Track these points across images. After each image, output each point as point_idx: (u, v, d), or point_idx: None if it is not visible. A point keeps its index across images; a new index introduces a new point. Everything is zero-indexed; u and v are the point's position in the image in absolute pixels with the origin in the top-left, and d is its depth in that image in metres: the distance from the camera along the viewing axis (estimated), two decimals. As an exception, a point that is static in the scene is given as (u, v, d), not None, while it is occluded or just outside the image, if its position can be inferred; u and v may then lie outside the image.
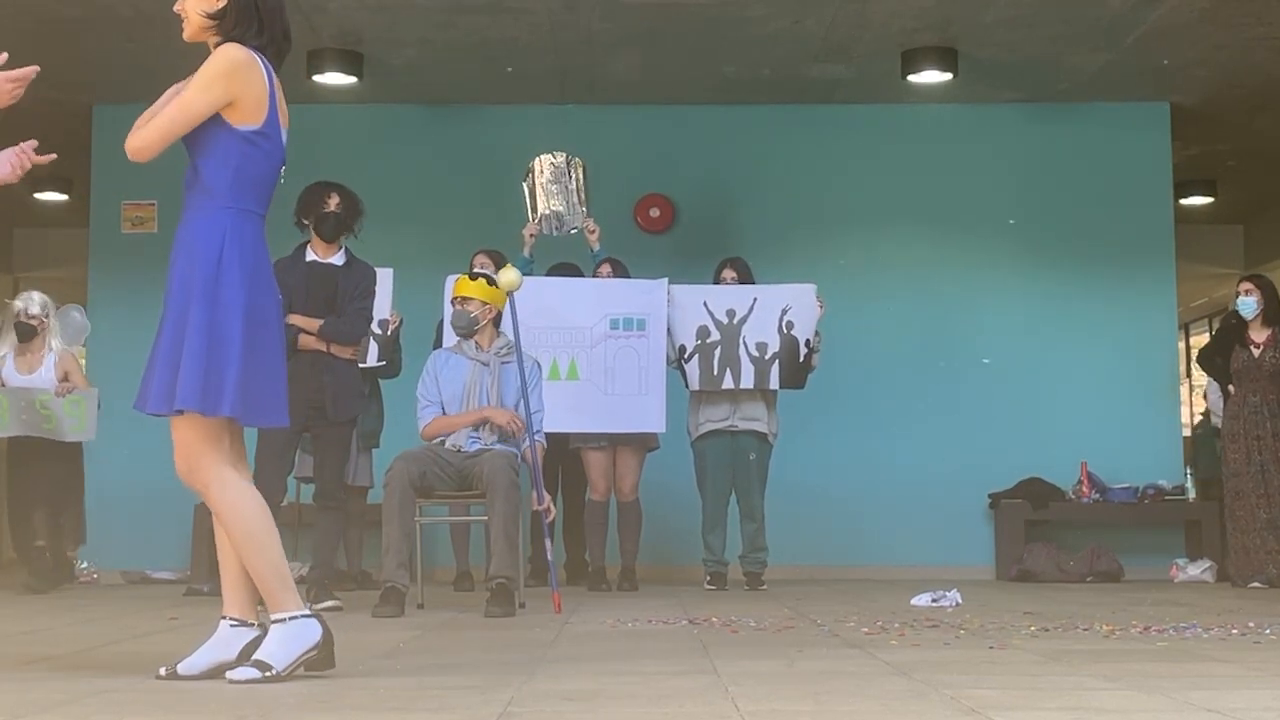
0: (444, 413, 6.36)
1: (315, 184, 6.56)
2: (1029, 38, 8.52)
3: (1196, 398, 12.10)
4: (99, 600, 7.21)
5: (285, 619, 3.51)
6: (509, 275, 6.28)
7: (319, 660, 3.53)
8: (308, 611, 3.56)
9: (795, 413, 8.42)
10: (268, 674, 3.44)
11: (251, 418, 3.60)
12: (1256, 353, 8.23)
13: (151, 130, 3.54)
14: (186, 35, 3.69)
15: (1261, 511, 8.11)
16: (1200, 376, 9.46)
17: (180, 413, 3.50)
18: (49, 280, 13.94)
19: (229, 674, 3.46)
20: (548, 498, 6.43)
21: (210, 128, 3.57)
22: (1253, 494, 8.15)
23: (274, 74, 3.68)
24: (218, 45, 3.63)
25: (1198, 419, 10.67)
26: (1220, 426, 8.72)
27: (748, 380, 7.75)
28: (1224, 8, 8.00)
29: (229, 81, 3.54)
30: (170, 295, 3.56)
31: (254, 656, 3.49)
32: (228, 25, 3.62)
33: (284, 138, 3.72)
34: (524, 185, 8.40)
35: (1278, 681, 3.51)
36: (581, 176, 8.35)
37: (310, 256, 6.49)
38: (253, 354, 3.55)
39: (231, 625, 3.61)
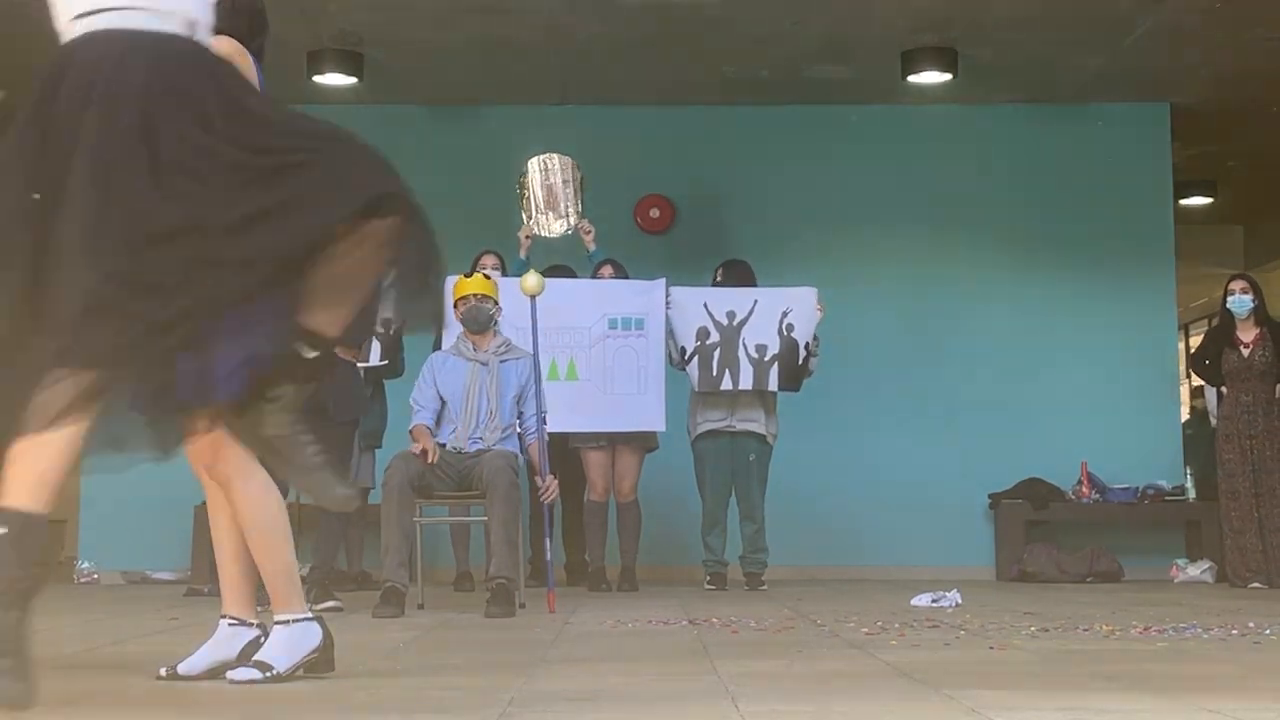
0: (437, 418, 6.40)
1: None
2: (1029, 38, 8.52)
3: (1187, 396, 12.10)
4: (99, 600, 7.21)
5: (289, 620, 3.51)
6: (532, 280, 6.33)
7: (318, 663, 3.53)
8: (310, 615, 3.56)
9: (795, 413, 8.41)
10: (269, 675, 3.44)
11: None
12: (1246, 352, 8.24)
13: None
14: None
15: (1254, 511, 8.12)
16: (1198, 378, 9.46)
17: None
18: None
19: (229, 674, 3.46)
20: (551, 477, 6.42)
21: None
22: (1248, 494, 8.15)
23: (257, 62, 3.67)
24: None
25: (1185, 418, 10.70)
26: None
27: (746, 382, 7.75)
28: (1224, 9, 8.00)
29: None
30: None
31: (256, 657, 3.49)
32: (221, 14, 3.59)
33: None
34: (518, 188, 8.41)
35: (1278, 681, 3.51)
36: (576, 177, 8.35)
37: None
38: None
39: (231, 625, 3.61)
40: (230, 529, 3.63)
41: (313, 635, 3.52)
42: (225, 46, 3.56)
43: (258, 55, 3.68)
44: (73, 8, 2.78)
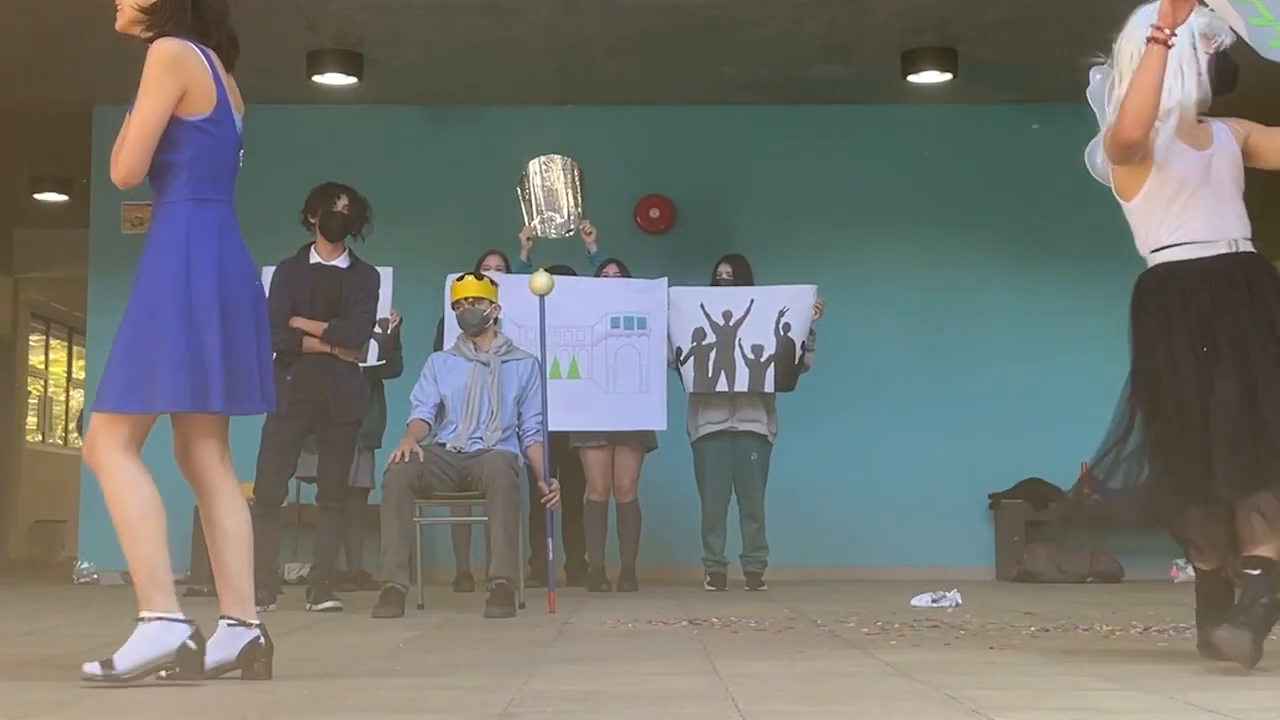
0: (435, 414, 6.39)
1: (326, 184, 6.59)
2: (1029, 38, 8.51)
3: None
4: (99, 600, 7.20)
5: (150, 619, 3.44)
6: (541, 280, 6.34)
7: (182, 667, 3.42)
8: (179, 616, 3.47)
9: (795, 413, 8.41)
10: (108, 673, 3.35)
11: (237, 407, 3.59)
12: None
13: (128, 151, 3.50)
14: (119, 25, 3.66)
15: None
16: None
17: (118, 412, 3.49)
18: (49, 280, 14.00)
19: (84, 666, 3.40)
20: (554, 482, 6.47)
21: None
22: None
23: (215, 61, 3.65)
24: (147, 39, 3.61)
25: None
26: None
27: (742, 383, 7.75)
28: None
29: (174, 73, 3.52)
30: (137, 292, 3.52)
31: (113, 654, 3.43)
32: (159, 20, 3.60)
33: (239, 122, 3.69)
34: (519, 189, 8.40)
35: (1278, 681, 3.50)
36: (577, 178, 8.35)
37: (314, 259, 6.51)
38: (230, 345, 3.54)
39: (230, 625, 3.60)
40: (224, 531, 3.63)
41: (171, 637, 3.43)
42: (166, 47, 3.55)
43: (214, 48, 3.65)
44: None
